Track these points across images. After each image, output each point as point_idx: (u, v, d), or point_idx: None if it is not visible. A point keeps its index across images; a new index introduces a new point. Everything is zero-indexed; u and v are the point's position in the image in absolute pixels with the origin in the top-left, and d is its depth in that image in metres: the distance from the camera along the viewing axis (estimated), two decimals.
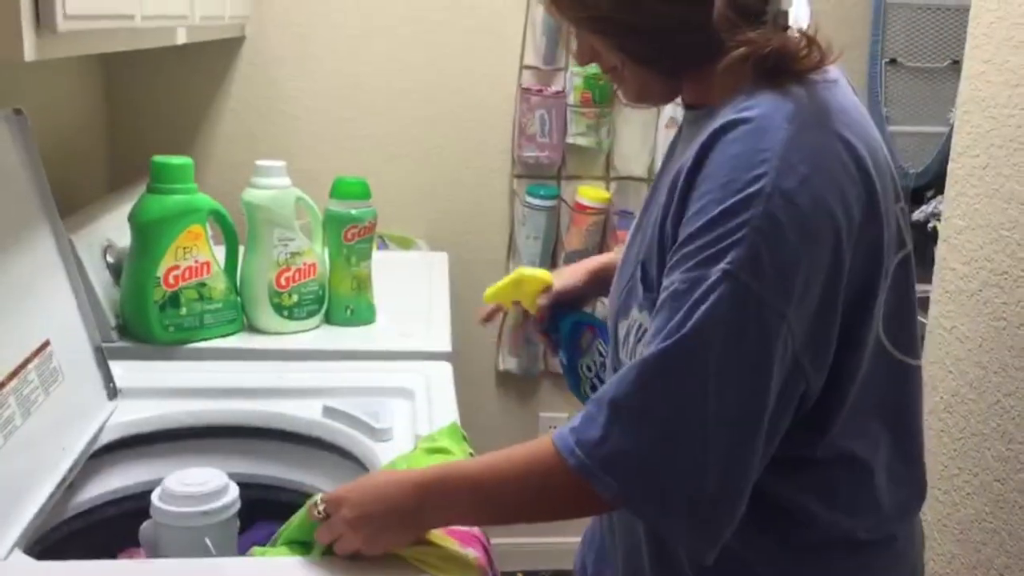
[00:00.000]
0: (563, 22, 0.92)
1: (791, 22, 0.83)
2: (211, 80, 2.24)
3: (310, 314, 1.62)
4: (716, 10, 0.82)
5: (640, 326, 0.91)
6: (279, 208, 1.57)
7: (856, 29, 2.43)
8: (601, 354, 1.22)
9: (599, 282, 1.24)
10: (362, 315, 1.66)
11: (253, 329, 1.60)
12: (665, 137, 2.37)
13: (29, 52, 0.88)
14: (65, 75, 1.92)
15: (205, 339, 1.53)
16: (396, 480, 0.94)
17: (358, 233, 1.63)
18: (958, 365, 1.48)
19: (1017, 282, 1.38)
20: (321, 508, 0.93)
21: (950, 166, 1.46)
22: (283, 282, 1.58)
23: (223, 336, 1.55)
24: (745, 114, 0.82)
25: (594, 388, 1.20)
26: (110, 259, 1.56)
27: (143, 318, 1.49)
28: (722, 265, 0.78)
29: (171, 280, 1.48)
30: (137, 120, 2.21)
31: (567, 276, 1.25)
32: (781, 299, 0.79)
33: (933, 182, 2.35)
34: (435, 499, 0.90)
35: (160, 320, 1.49)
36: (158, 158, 1.49)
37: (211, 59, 2.21)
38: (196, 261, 1.50)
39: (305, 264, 1.60)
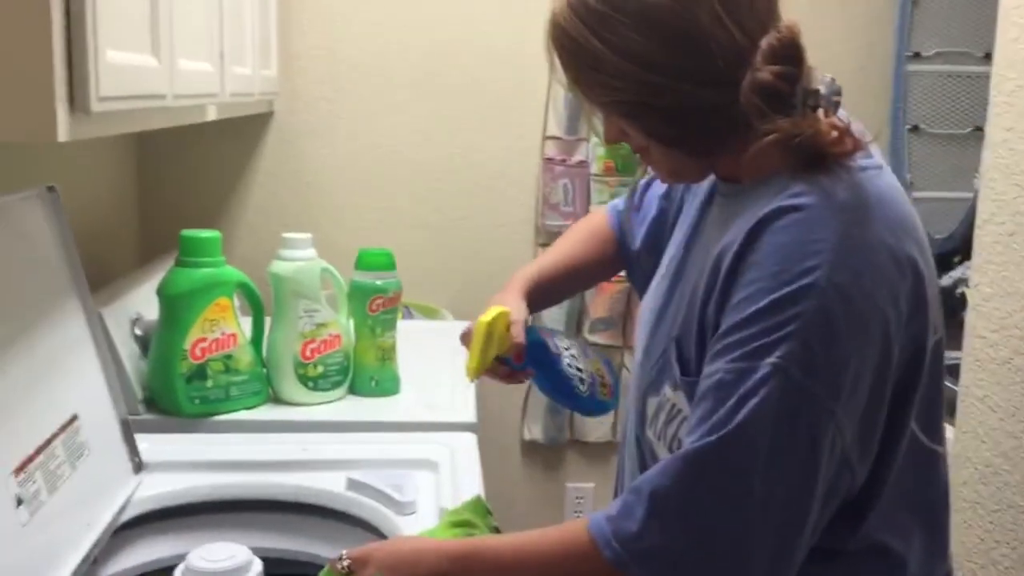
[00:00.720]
0: (589, 106, 0.91)
1: (822, 103, 0.82)
2: (239, 154, 2.28)
3: (335, 385, 1.62)
4: (743, 96, 0.80)
5: (674, 406, 0.89)
6: (305, 280, 1.59)
7: (878, 97, 2.45)
8: (567, 348, 1.19)
9: (534, 301, 1.19)
10: (387, 386, 1.66)
11: (278, 400, 1.60)
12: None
13: (63, 133, 0.90)
14: (98, 151, 1.97)
15: (231, 411, 1.53)
16: (429, 548, 0.93)
17: (383, 304, 1.64)
18: (991, 435, 1.45)
19: None
20: (345, 564, 0.92)
21: (976, 233, 1.45)
22: (308, 353, 1.58)
23: (248, 408, 1.55)
24: (795, 201, 0.80)
25: (582, 381, 1.17)
26: (138, 332, 1.57)
27: (169, 391, 1.49)
28: (772, 359, 0.77)
29: (198, 352, 1.49)
30: (168, 194, 2.25)
31: (513, 303, 1.16)
32: (832, 395, 0.77)
33: (960, 247, 2.33)
34: (465, 574, 0.89)
35: (186, 392, 1.49)
36: (186, 232, 1.51)
37: (240, 134, 2.25)
38: (223, 333, 1.52)
39: (330, 335, 1.61)
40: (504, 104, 2.32)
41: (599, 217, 1.27)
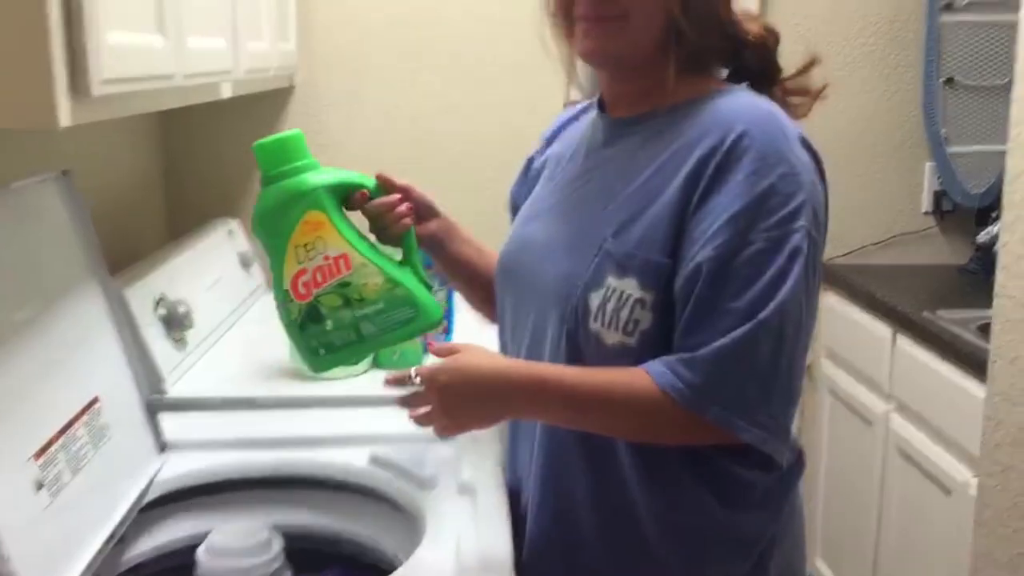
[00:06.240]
0: None
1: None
2: (263, 129, 2.27)
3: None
4: (753, 43, 1.05)
5: (623, 293, 0.98)
6: None
7: (910, 50, 2.38)
8: None
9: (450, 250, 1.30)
10: (410, 359, 1.66)
11: (299, 375, 1.60)
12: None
13: (64, 118, 0.90)
14: (120, 131, 1.97)
15: (377, 349, 1.13)
16: (497, 375, 1.01)
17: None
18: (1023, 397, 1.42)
19: None
20: (416, 380, 1.01)
21: (1005, 190, 1.41)
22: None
23: (411, 337, 1.10)
24: (757, 106, 1.00)
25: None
26: (162, 311, 1.58)
27: (296, 347, 1.10)
28: (799, 222, 0.93)
29: (301, 290, 1.06)
30: (192, 172, 2.26)
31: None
32: (822, 242, 1.00)
33: (997, 202, 2.28)
34: (529, 399, 1.00)
35: (306, 344, 1.07)
36: (257, 143, 1.15)
37: (262, 109, 2.25)
38: (326, 257, 1.05)
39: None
40: (526, 68, 2.29)
41: None
